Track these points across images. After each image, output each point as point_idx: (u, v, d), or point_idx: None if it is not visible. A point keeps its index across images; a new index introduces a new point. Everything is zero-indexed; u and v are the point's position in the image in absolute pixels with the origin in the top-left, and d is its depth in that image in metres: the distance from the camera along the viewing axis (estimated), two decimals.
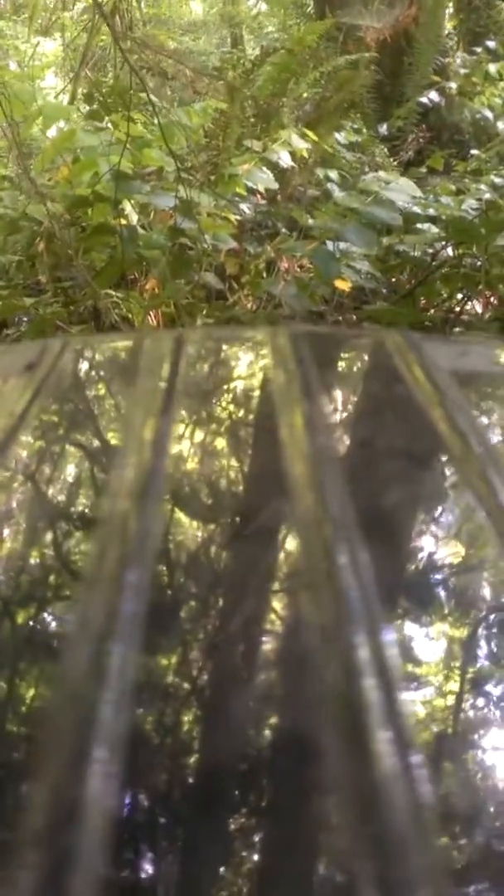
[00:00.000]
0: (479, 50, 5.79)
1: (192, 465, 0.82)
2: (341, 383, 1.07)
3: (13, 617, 0.62)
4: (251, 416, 0.96)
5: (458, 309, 3.84)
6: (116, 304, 3.09)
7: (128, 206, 2.88)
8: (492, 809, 0.46)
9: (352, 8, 4.67)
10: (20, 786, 0.46)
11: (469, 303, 3.83)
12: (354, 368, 1.14)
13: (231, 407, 0.98)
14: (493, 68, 5.57)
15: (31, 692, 0.55)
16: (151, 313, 3.02)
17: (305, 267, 3.22)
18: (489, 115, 5.39)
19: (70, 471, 0.85)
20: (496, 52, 5.82)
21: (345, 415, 0.95)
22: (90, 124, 3.28)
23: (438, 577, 0.69)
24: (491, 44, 5.86)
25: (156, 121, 2.88)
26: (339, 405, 0.98)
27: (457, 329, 3.68)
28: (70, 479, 0.82)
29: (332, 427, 0.84)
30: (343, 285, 3.22)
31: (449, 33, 6.15)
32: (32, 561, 0.69)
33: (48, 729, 0.47)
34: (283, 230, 3.70)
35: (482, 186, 4.01)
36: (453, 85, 5.45)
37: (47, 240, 2.90)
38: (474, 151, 4.87)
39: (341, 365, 1.15)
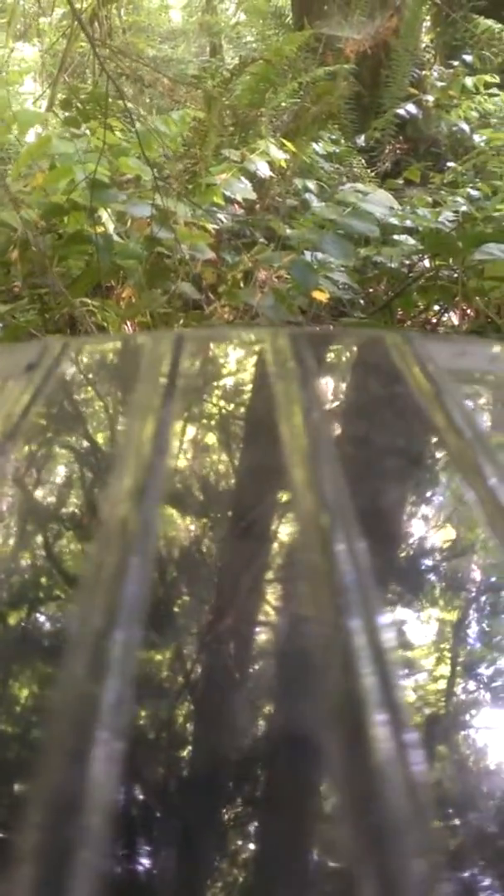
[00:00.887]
0: (455, 63, 5.77)
1: (192, 463, 0.81)
2: (341, 382, 1.06)
3: (14, 615, 0.62)
4: (251, 416, 0.95)
5: (434, 320, 3.81)
6: (92, 312, 3.02)
7: (104, 215, 2.81)
8: (489, 792, 0.46)
9: (331, 19, 4.63)
10: (19, 781, 0.45)
11: (446, 314, 3.80)
12: (354, 367, 1.13)
13: (231, 407, 0.97)
14: (469, 81, 5.56)
15: (31, 691, 0.54)
16: (128, 322, 2.95)
17: (283, 277, 3.16)
18: (465, 127, 5.37)
19: (70, 472, 0.84)
20: (472, 65, 5.80)
21: (344, 413, 0.94)
22: (66, 131, 3.21)
23: (433, 564, 0.69)
24: (467, 57, 5.85)
25: (133, 128, 2.81)
26: (338, 404, 0.96)
27: None
28: (70, 481, 0.82)
29: (331, 425, 0.83)
30: (321, 296, 3.17)
31: (426, 46, 6.12)
32: (32, 562, 0.69)
33: (48, 726, 0.46)
34: (261, 240, 3.64)
35: (458, 199, 3.98)
36: (430, 98, 5.43)
37: (22, 247, 2.82)
38: (451, 164, 4.85)
39: (341, 364, 1.13)
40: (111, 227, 2.82)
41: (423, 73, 5.60)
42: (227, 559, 0.68)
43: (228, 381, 1.05)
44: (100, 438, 0.91)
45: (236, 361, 1.13)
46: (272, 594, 0.63)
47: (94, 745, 0.43)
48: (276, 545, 0.69)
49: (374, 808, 0.41)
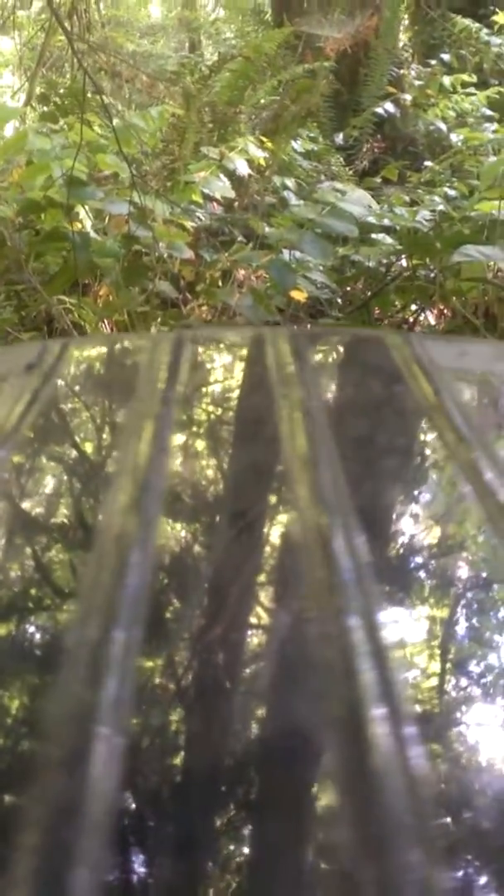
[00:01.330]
0: (433, 62, 5.76)
1: (191, 464, 0.80)
2: (340, 382, 1.05)
3: (13, 620, 0.61)
4: (251, 418, 0.94)
5: (411, 320, 3.80)
6: (69, 310, 2.98)
7: (82, 212, 2.76)
8: (490, 790, 0.45)
9: (311, 17, 4.60)
10: (18, 787, 0.45)
11: (423, 314, 3.79)
12: (355, 368, 1.12)
13: (231, 409, 0.97)
14: (447, 80, 5.55)
15: (27, 700, 0.53)
16: (105, 321, 2.92)
17: (262, 277, 3.14)
18: (443, 126, 5.36)
19: (68, 476, 0.83)
20: (450, 64, 5.79)
21: (344, 414, 0.93)
22: (44, 126, 3.16)
23: (432, 562, 0.68)
24: (445, 56, 5.84)
25: (111, 124, 2.77)
26: (338, 405, 0.96)
27: None
28: (68, 485, 0.81)
29: (332, 426, 0.82)
30: (299, 296, 3.14)
31: (404, 45, 6.11)
32: (29, 566, 0.68)
33: (46, 734, 0.46)
34: (240, 238, 3.61)
35: (436, 198, 3.97)
36: (408, 96, 5.41)
37: None
38: (428, 163, 4.84)
39: (340, 364, 1.13)
40: (89, 224, 2.78)
41: (402, 71, 5.58)
42: (225, 561, 0.67)
43: (228, 383, 1.04)
44: (98, 441, 0.90)
45: (236, 362, 1.12)
46: (271, 597, 0.62)
47: (92, 753, 0.43)
48: (275, 548, 0.68)
49: (373, 809, 0.40)
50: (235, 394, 1.01)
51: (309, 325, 3.67)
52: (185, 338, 1.08)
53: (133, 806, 0.44)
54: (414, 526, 0.74)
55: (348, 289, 3.89)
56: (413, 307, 3.76)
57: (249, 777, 0.47)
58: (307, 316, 3.78)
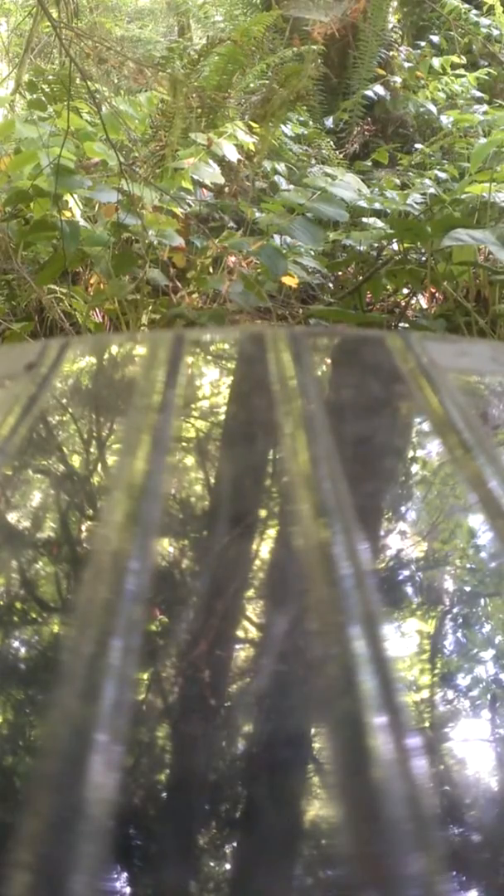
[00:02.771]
0: (423, 44, 5.69)
1: (190, 466, 0.79)
2: (340, 382, 1.04)
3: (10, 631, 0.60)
4: (250, 417, 0.93)
5: (403, 303, 3.76)
6: (60, 299, 2.93)
7: (71, 200, 2.71)
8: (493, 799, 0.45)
9: (299, 1, 4.53)
10: (13, 804, 0.43)
11: (414, 298, 3.75)
12: (353, 367, 1.11)
13: (230, 408, 0.95)
14: (436, 62, 5.48)
15: (23, 716, 0.52)
16: (96, 310, 2.87)
17: (252, 262, 3.09)
18: (433, 108, 5.30)
19: (64, 482, 0.81)
20: (440, 46, 5.72)
21: (343, 414, 0.91)
22: (32, 114, 3.10)
23: (433, 567, 0.67)
24: (435, 38, 5.76)
25: (98, 111, 2.71)
26: (337, 404, 0.94)
27: (403, 325, 3.59)
28: (64, 492, 0.79)
29: (331, 426, 0.81)
30: (290, 282, 3.10)
31: (393, 27, 6.02)
32: (28, 567, 0.67)
33: (43, 750, 0.45)
34: (231, 224, 3.56)
35: (426, 181, 3.92)
36: (398, 79, 5.34)
37: None
38: (418, 145, 4.78)
39: (340, 364, 1.12)
40: (78, 213, 2.73)
41: (391, 54, 5.51)
42: (225, 572, 0.65)
43: (227, 384, 1.02)
44: (94, 450, 0.88)
45: (236, 363, 1.10)
46: (271, 610, 0.60)
47: (89, 765, 0.42)
48: (276, 560, 0.66)
49: (374, 819, 0.40)
50: (234, 398, 0.99)
51: (301, 310, 3.63)
52: (184, 338, 1.06)
53: (131, 819, 0.42)
54: (417, 534, 0.72)
55: (339, 273, 3.84)
56: (405, 291, 3.72)
57: (249, 788, 0.46)
58: (298, 301, 3.74)
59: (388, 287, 3.67)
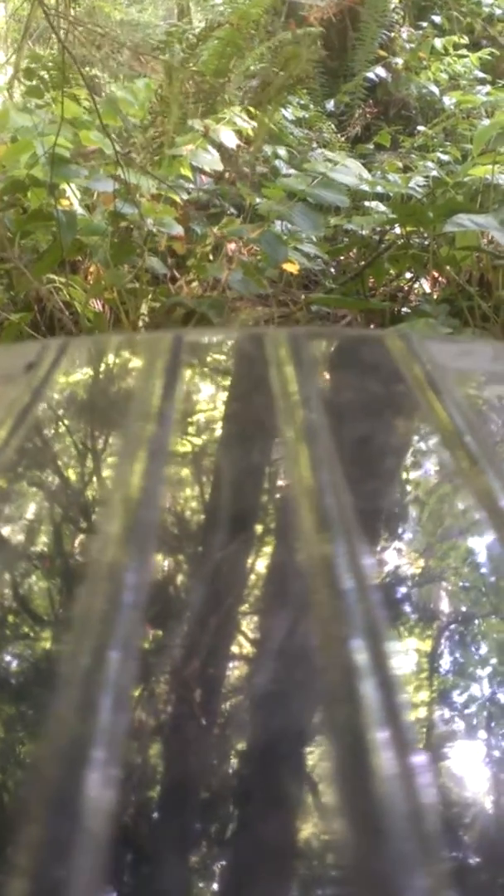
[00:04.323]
0: (424, 24, 5.57)
1: (189, 467, 0.78)
2: (340, 383, 1.02)
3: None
4: (250, 418, 0.92)
5: (406, 288, 3.68)
6: (59, 289, 2.87)
7: (68, 189, 2.64)
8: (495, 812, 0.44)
9: None
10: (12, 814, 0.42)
11: (417, 282, 3.67)
12: (353, 368, 1.09)
13: (229, 409, 0.94)
14: (438, 43, 5.37)
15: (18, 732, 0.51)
16: (96, 299, 2.81)
17: (253, 249, 3.02)
18: (435, 90, 5.20)
19: (63, 487, 0.80)
20: (441, 26, 5.61)
21: (343, 414, 0.90)
22: (29, 101, 3.03)
23: (436, 573, 0.65)
24: (436, 18, 5.65)
25: (94, 99, 2.64)
26: (337, 405, 0.92)
27: (405, 310, 3.52)
28: (63, 496, 0.78)
29: (334, 439, 0.79)
30: (291, 268, 3.03)
31: (395, 7, 5.90)
32: (26, 571, 0.66)
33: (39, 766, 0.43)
34: (230, 210, 3.49)
35: (429, 163, 3.84)
36: (400, 60, 5.24)
37: None
38: (421, 127, 4.69)
39: (340, 364, 1.10)
40: (76, 201, 2.66)
41: (393, 34, 5.39)
42: (224, 583, 0.63)
43: (226, 385, 1.01)
44: (96, 442, 0.87)
45: (235, 363, 1.08)
46: (272, 625, 0.58)
47: (86, 783, 0.40)
48: (276, 574, 0.64)
49: (376, 837, 0.39)
50: (233, 399, 0.97)
51: (303, 296, 3.56)
52: (182, 339, 1.04)
53: (129, 839, 0.41)
54: (420, 543, 0.70)
55: (341, 258, 3.77)
56: (407, 275, 3.65)
57: (248, 805, 0.44)
58: (300, 287, 3.67)
59: (391, 271, 3.60)
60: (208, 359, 1.07)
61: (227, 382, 1.03)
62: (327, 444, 0.75)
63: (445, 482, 0.78)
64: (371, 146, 4.53)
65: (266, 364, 0.91)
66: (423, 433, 0.86)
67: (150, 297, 2.85)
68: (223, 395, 0.99)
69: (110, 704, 0.45)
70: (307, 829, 0.43)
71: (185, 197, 2.96)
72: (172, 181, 2.72)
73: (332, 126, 4.62)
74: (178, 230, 2.68)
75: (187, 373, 0.97)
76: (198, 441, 0.86)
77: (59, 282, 2.83)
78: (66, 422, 0.93)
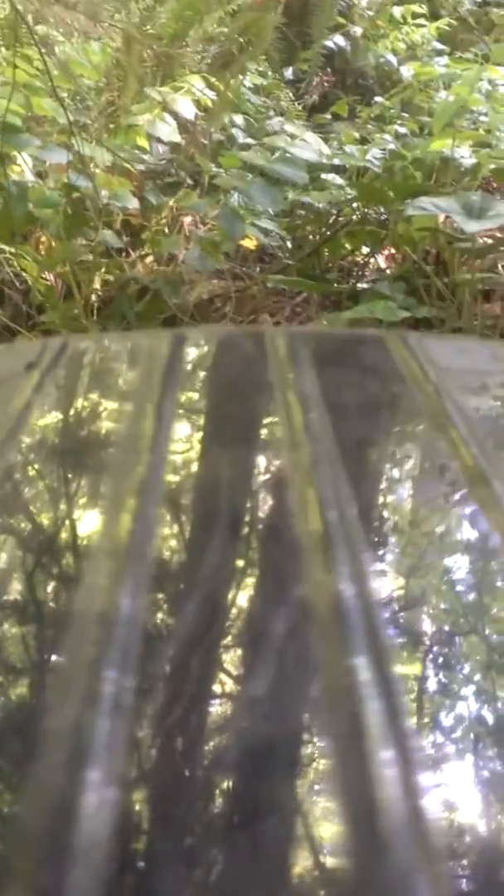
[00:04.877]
0: None
1: (189, 468, 0.77)
2: (339, 383, 1.00)
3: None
4: (249, 418, 0.91)
5: (362, 262, 3.62)
6: (10, 260, 2.75)
7: (20, 158, 2.52)
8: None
9: None
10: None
11: (373, 258, 3.61)
12: (353, 367, 1.08)
13: (228, 408, 0.93)
14: (397, 11, 5.25)
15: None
16: (48, 273, 2.69)
17: (210, 223, 2.92)
18: (393, 59, 5.09)
19: (67, 475, 0.79)
20: None
21: (342, 415, 0.87)
22: None
23: (439, 582, 0.64)
24: None
25: (46, 61, 2.51)
26: (336, 405, 0.89)
27: (361, 285, 3.46)
28: (67, 485, 0.77)
29: (330, 427, 0.78)
30: (248, 244, 2.95)
31: None
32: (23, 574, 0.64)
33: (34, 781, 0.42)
34: (187, 180, 3.37)
35: (386, 136, 3.76)
36: (358, 28, 5.12)
37: None
38: (378, 98, 4.59)
39: (340, 363, 1.08)
40: (28, 170, 2.54)
41: (352, 2, 5.26)
42: (224, 576, 0.62)
43: (225, 385, 0.99)
44: (95, 442, 0.85)
45: (234, 363, 1.05)
46: (271, 632, 0.55)
47: (82, 806, 0.39)
48: (274, 570, 0.63)
49: (380, 859, 0.38)
50: (232, 396, 0.96)
51: (259, 269, 3.48)
52: (183, 339, 1.02)
53: (125, 864, 0.39)
54: (423, 551, 0.69)
55: (298, 232, 3.69)
56: (364, 250, 3.59)
57: (249, 828, 0.42)
58: (256, 261, 3.59)
59: (347, 246, 3.53)
60: (207, 361, 1.05)
61: (226, 384, 1.01)
62: (328, 447, 0.73)
63: (448, 490, 0.75)
64: (328, 116, 4.43)
65: (266, 367, 0.90)
66: (425, 435, 0.84)
67: (103, 269, 2.75)
68: (222, 396, 0.97)
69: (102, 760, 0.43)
70: (307, 859, 0.41)
71: (141, 167, 2.85)
72: (128, 152, 2.61)
73: (290, 94, 4.50)
74: (134, 203, 2.57)
75: (185, 378, 0.95)
76: (194, 457, 0.83)
77: (8, 252, 2.72)
78: (67, 413, 0.91)
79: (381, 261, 3.69)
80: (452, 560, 0.68)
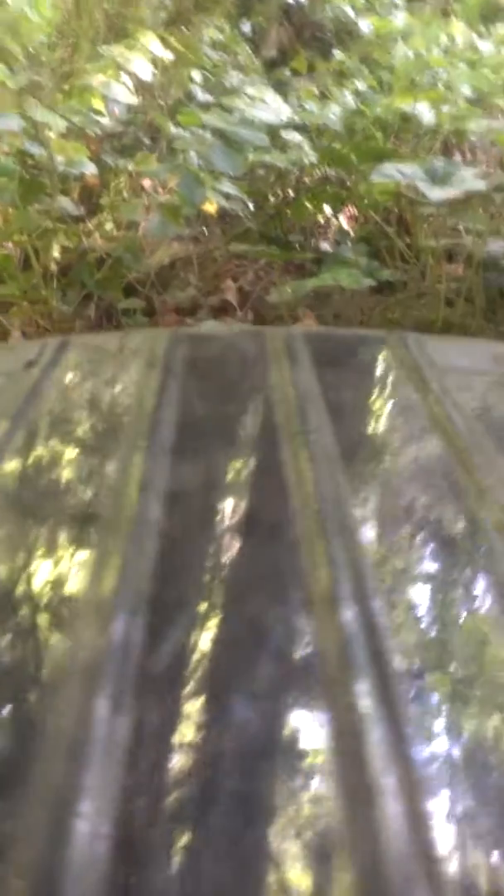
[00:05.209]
0: None
1: (188, 467, 0.76)
2: (339, 383, 0.99)
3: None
4: (248, 418, 0.91)
5: (324, 221, 3.56)
6: None
7: None
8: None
9: None
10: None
11: (335, 219, 3.55)
12: (352, 368, 1.07)
13: (227, 408, 0.92)
14: None
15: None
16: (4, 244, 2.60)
17: (170, 187, 2.84)
18: (351, 12, 4.97)
19: (65, 475, 0.78)
20: None
21: (342, 415, 0.87)
22: None
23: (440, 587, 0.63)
24: None
25: None
26: (336, 405, 0.89)
27: (325, 247, 3.40)
28: (65, 485, 0.76)
29: (330, 428, 0.78)
30: (210, 209, 2.87)
31: None
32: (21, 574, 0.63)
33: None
34: (146, 140, 3.27)
35: (346, 93, 3.68)
36: None
37: None
38: (337, 52, 4.49)
39: (339, 364, 1.06)
40: None
41: None
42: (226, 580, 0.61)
43: (224, 385, 0.98)
44: (94, 442, 0.85)
45: (233, 364, 1.04)
46: (274, 664, 0.54)
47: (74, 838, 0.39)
48: (275, 580, 0.61)
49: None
50: (231, 395, 0.95)
51: (221, 230, 3.40)
52: (182, 339, 1.02)
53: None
54: (420, 542, 0.68)
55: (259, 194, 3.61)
56: (327, 210, 3.52)
57: (251, 863, 0.42)
58: (217, 222, 3.51)
59: (309, 207, 3.47)
60: (205, 364, 1.03)
61: (224, 386, 0.99)
62: (330, 452, 0.71)
63: (449, 495, 0.73)
64: (287, 72, 4.32)
65: (265, 370, 0.89)
66: (426, 437, 0.82)
67: (62, 235, 2.66)
68: (221, 397, 0.95)
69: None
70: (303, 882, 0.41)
71: (98, 130, 2.75)
72: (83, 115, 2.51)
73: (248, 49, 4.38)
74: (91, 168, 2.48)
75: (183, 380, 0.93)
76: (197, 420, 0.82)
77: None
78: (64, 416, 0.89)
79: (344, 221, 3.63)
80: (453, 575, 0.66)
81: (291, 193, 3.25)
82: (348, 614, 0.53)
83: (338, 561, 0.59)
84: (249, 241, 3.18)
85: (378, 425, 0.89)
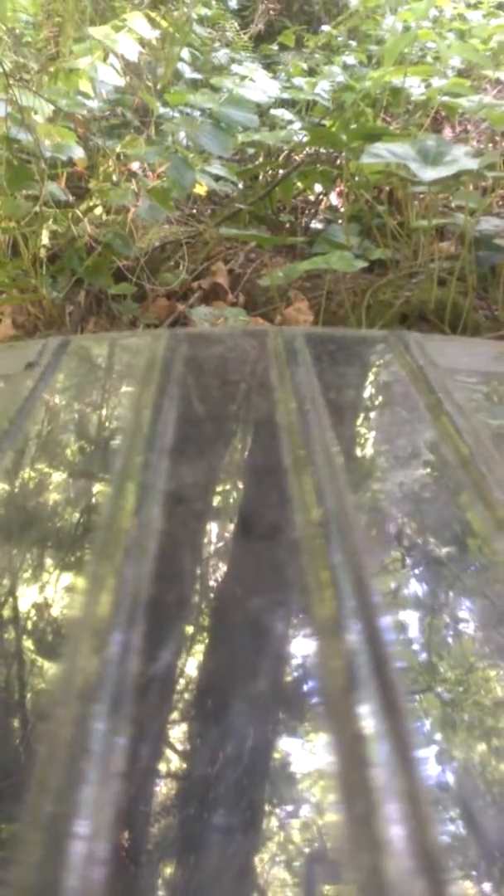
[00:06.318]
0: None
1: (188, 467, 0.74)
2: (339, 383, 0.97)
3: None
4: (248, 417, 0.88)
5: (314, 199, 3.47)
6: None
7: None
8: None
9: None
10: None
11: (326, 196, 3.45)
12: (352, 368, 1.04)
13: (226, 408, 0.90)
14: None
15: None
16: None
17: (159, 170, 2.74)
18: None
19: (66, 474, 0.77)
20: None
21: (342, 415, 0.86)
22: None
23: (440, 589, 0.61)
24: None
25: None
26: (337, 406, 0.88)
27: (316, 225, 3.31)
28: (65, 484, 0.75)
29: (329, 428, 0.76)
30: (199, 190, 2.78)
31: None
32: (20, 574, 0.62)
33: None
34: (134, 122, 3.16)
35: (335, 68, 3.56)
36: None
37: None
38: (325, 26, 4.35)
39: (339, 364, 1.04)
40: None
41: None
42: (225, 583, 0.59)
43: (224, 386, 0.97)
44: (95, 441, 0.83)
45: (233, 363, 1.02)
46: (275, 683, 0.51)
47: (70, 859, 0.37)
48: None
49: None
50: (231, 395, 0.93)
51: (211, 211, 3.30)
52: (181, 339, 1.00)
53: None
54: (421, 547, 0.66)
55: (248, 174, 3.51)
56: (316, 188, 3.42)
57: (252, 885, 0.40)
58: (207, 202, 3.41)
59: (299, 185, 3.37)
60: (205, 364, 1.01)
61: (224, 386, 0.97)
62: (330, 452, 0.70)
63: (449, 496, 0.71)
64: (275, 47, 4.20)
65: (265, 370, 0.87)
66: (427, 438, 0.80)
67: (51, 221, 2.57)
68: (220, 398, 0.93)
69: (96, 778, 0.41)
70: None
71: (85, 112, 2.64)
72: (70, 98, 2.40)
73: (236, 24, 4.24)
74: (79, 152, 2.38)
75: (183, 382, 0.91)
76: (196, 420, 0.80)
77: None
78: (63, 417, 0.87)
79: (334, 198, 3.54)
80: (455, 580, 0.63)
81: (281, 172, 3.15)
82: (353, 629, 0.51)
83: (340, 573, 0.57)
84: (240, 222, 3.09)
85: (379, 425, 0.87)
